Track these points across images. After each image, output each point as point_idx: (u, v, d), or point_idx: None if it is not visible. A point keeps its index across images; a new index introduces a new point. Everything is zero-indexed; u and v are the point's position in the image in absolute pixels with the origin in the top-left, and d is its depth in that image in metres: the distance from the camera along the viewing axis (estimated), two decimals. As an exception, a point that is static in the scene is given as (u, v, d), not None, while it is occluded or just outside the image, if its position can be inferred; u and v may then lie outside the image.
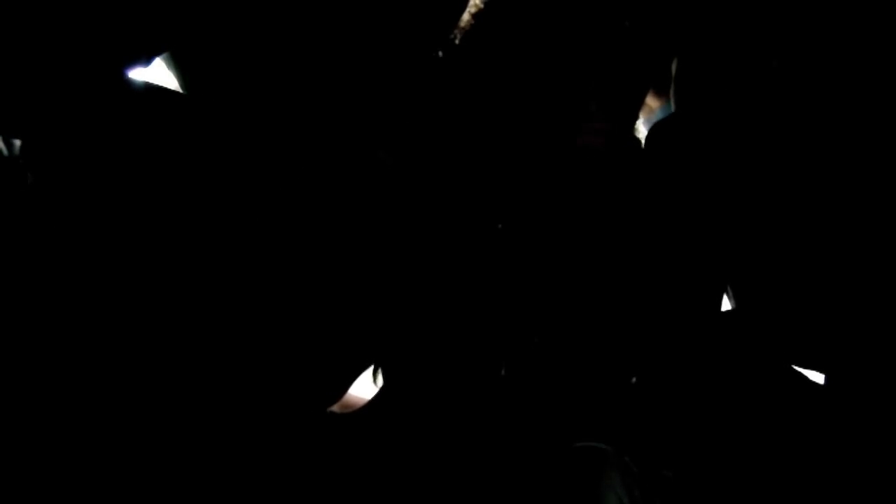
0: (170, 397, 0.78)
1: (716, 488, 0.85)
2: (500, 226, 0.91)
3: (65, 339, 0.76)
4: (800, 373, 0.89)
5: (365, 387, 0.93)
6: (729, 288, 0.95)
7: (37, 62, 0.76)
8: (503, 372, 0.91)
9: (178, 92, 0.89)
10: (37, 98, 0.78)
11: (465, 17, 0.89)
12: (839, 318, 0.87)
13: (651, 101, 1.06)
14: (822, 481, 0.82)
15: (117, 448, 0.75)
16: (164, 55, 0.90)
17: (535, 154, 0.90)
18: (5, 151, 0.87)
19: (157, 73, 0.95)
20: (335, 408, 0.89)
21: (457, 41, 0.90)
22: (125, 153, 0.81)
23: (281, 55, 0.84)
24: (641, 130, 1.01)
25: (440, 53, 0.90)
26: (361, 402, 0.91)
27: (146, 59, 0.85)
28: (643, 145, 0.94)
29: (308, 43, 0.84)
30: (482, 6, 0.89)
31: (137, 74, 0.86)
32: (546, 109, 0.89)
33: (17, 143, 0.87)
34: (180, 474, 0.76)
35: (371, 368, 0.93)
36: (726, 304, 0.97)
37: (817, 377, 0.90)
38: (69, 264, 0.77)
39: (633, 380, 0.91)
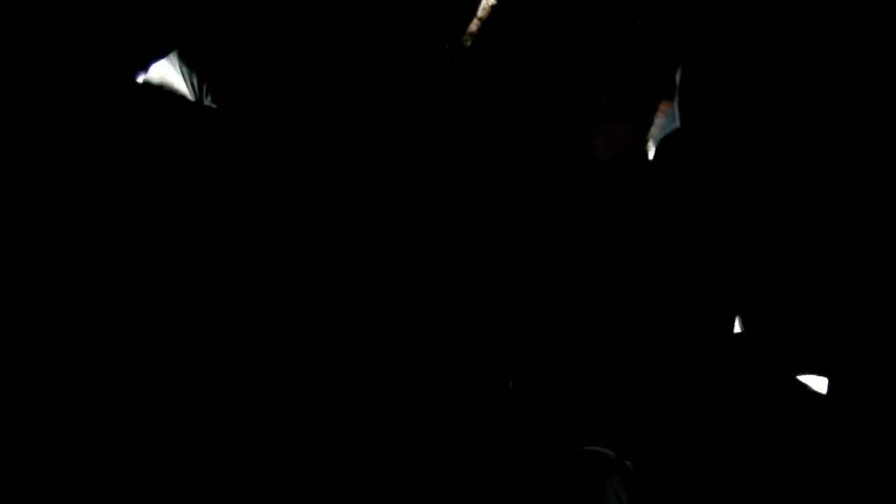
0: (177, 398, 0.79)
1: (716, 493, 0.86)
2: (508, 231, 0.91)
3: (66, 339, 0.76)
4: (795, 378, 0.90)
5: (372, 388, 0.94)
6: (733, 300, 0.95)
7: (43, 63, 0.76)
8: (510, 377, 0.91)
9: (191, 100, 0.89)
10: (41, 99, 0.78)
11: (475, 22, 0.88)
12: (839, 324, 0.88)
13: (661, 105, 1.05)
14: (818, 483, 0.83)
15: (121, 448, 0.76)
16: (174, 60, 0.89)
17: (547, 161, 0.89)
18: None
19: (163, 76, 0.95)
20: None
21: (466, 46, 0.89)
22: (130, 155, 0.81)
23: (290, 66, 0.83)
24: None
25: (449, 59, 0.90)
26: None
27: (148, 61, 0.85)
28: (652, 153, 0.93)
29: (316, 52, 0.84)
30: (492, 12, 0.88)
31: (145, 77, 0.85)
32: (558, 115, 0.89)
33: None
34: (185, 473, 0.78)
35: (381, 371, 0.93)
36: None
37: (813, 382, 0.91)
38: (70, 264, 0.77)
39: (635, 386, 0.92)
